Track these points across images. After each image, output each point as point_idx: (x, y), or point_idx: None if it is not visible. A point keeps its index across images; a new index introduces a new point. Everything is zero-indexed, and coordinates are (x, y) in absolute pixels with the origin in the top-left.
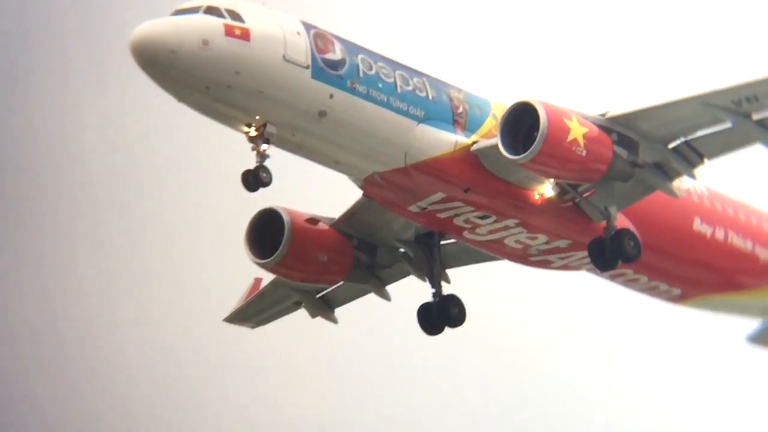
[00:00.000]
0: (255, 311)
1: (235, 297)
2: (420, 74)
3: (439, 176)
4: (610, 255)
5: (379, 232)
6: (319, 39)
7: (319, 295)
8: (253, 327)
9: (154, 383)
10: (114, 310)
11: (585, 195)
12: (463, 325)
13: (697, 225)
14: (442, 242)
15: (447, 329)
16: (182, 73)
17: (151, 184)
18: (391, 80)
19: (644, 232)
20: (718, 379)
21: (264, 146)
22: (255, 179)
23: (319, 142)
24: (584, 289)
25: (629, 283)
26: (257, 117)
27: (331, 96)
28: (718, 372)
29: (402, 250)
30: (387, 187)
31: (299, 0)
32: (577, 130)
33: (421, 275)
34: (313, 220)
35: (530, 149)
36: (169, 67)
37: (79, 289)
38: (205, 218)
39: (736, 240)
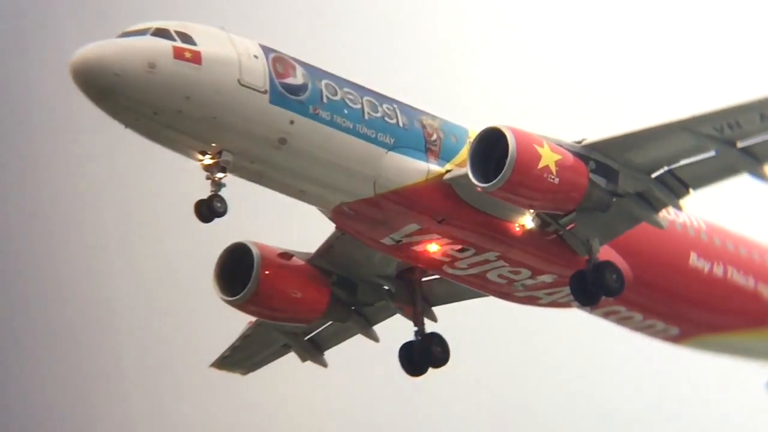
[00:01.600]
0: (242, 356)
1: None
2: (391, 100)
3: (410, 206)
4: (592, 288)
5: (358, 268)
6: (279, 63)
7: (308, 337)
8: (243, 374)
9: None
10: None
11: (568, 227)
12: (447, 365)
13: (694, 260)
14: (426, 278)
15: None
16: (126, 98)
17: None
18: (358, 106)
19: (636, 267)
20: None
21: (219, 175)
22: (209, 209)
23: (280, 171)
24: (577, 327)
25: (624, 321)
26: (213, 144)
27: (292, 122)
28: (729, 418)
29: (385, 287)
30: (357, 218)
31: (268, 27)
32: (548, 157)
33: (404, 313)
34: (287, 255)
35: (499, 177)
36: (111, 92)
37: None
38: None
39: (736, 276)
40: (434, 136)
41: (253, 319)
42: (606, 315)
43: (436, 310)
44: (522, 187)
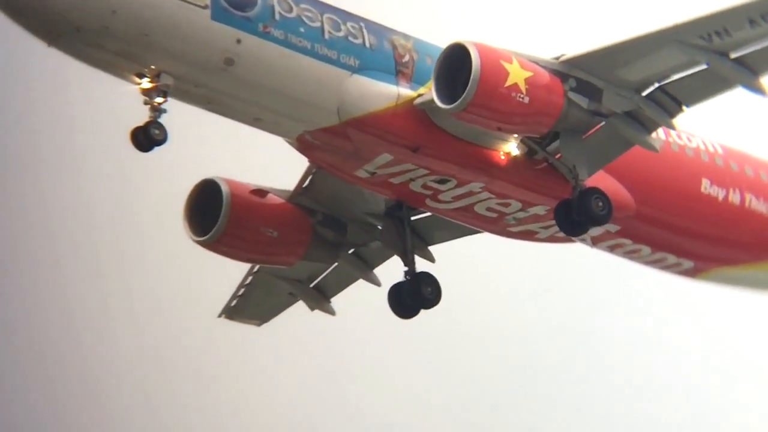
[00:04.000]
0: (249, 304)
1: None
2: (357, 18)
3: (379, 134)
4: (577, 217)
5: (345, 205)
6: None
7: (313, 284)
8: (258, 324)
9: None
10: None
11: (557, 156)
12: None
13: (706, 187)
14: (417, 216)
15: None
16: (42, 11)
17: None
18: (317, 24)
19: (639, 195)
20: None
21: (158, 100)
22: (146, 137)
23: (229, 96)
24: (582, 263)
25: (631, 255)
26: (150, 66)
27: (239, 41)
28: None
29: (377, 225)
30: (324, 148)
31: None
32: (517, 74)
33: (397, 253)
34: (261, 192)
35: (462, 96)
36: (26, 4)
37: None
38: None
39: (755, 204)
40: (406, 57)
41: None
42: (611, 249)
43: (433, 249)
44: (488, 108)
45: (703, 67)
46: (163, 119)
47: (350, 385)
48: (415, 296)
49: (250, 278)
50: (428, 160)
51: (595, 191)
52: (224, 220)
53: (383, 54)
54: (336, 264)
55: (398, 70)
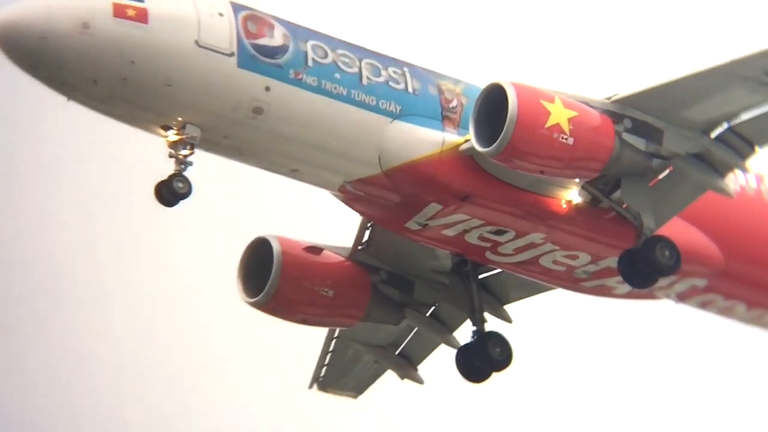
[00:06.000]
0: (338, 374)
1: None
2: (400, 63)
3: (424, 183)
4: (643, 268)
5: (412, 262)
6: (252, 21)
7: (398, 351)
8: (354, 397)
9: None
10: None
11: (624, 204)
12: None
13: None
14: (488, 273)
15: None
16: (57, 65)
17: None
18: (355, 70)
19: (728, 246)
20: None
21: (184, 152)
22: (170, 192)
23: (260, 147)
24: (670, 322)
25: (727, 313)
26: (177, 118)
27: (268, 89)
28: None
29: (445, 282)
30: (369, 200)
31: None
32: (560, 114)
33: (465, 312)
34: (315, 249)
35: (500, 137)
36: (38, 58)
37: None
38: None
39: None
40: (454, 102)
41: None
42: (702, 305)
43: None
44: (527, 150)
45: None
46: (188, 172)
47: None
48: (483, 358)
49: (332, 345)
50: (480, 210)
51: (661, 239)
52: (275, 279)
53: (428, 99)
54: (416, 329)
55: (444, 115)
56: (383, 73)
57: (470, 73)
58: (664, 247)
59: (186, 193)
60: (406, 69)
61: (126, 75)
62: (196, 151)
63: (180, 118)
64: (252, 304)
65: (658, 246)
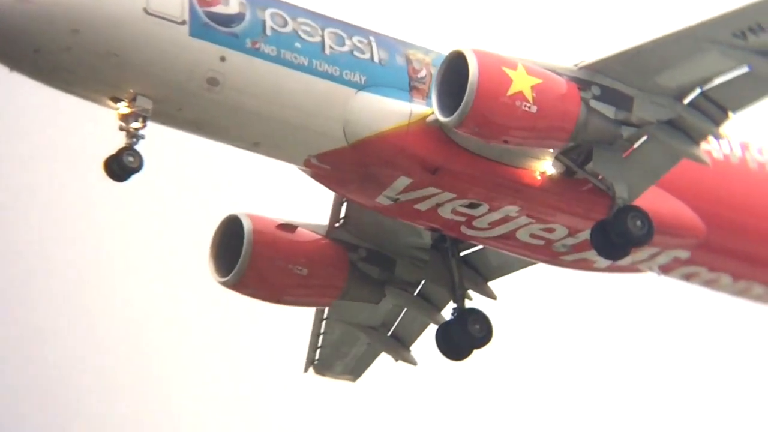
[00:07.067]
0: (333, 357)
1: None
2: (366, 32)
3: (392, 156)
4: (616, 238)
5: (392, 239)
6: None
7: (390, 332)
8: (353, 380)
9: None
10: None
11: (600, 176)
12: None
13: None
14: (471, 250)
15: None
16: None
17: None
18: (317, 39)
19: (710, 217)
20: None
21: (135, 125)
22: (119, 166)
23: (218, 119)
24: (652, 295)
25: (712, 285)
26: (127, 89)
27: (223, 59)
28: None
29: (426, 259)
30: (336, 174)
31: None
32: (522, 81)
33: (446, 290)
34: (289, 227)
35: (460, 106)
36: None
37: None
38: None
39: None
40: (422, 72)
41: None
42: (687, 278)
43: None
44: (489, 119)
45: (746, 70)
46: (140, 146)
47: None
48: (462, 335)
49: (323, 326)
50: (451, 183)
51: (632, 209)
52: (246, 258)
53: (395, 69)
54: (406, 309)
55: (412, 86)
56: (347, 42)
57: (445, 44)
58: (636, 216)
59: (137, 168)
60: (372, 38)
61: (70, 45)
62: (154, 124)
63: (130, 90)
64: (223, 284)
65: (629, 216)
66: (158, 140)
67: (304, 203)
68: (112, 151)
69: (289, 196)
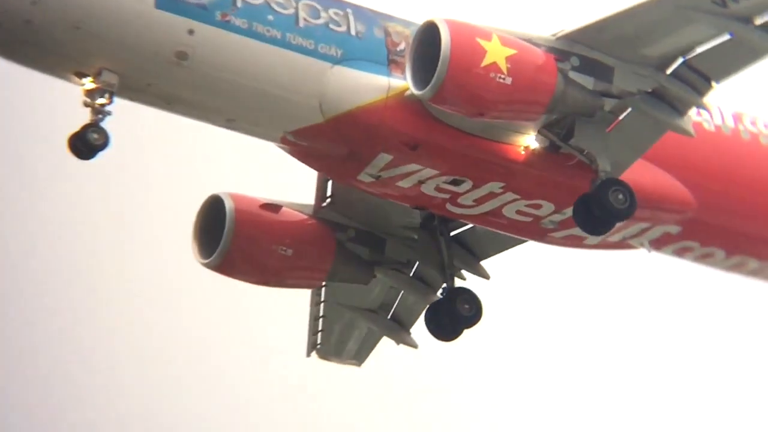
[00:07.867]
0: (335, 341)
1: None
2: (342, 4)
3: (370, 131)
4: (598, 212)
5: (381, 218)
6: None
7: (390, 315)
8: (358, 365)
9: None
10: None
11: (585, 151)
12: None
13: None
14: (462, 229)
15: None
16: None
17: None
18: (290, 12)
19: (701, 190)
20: None
21: (101, 101)
22: (84, 143)
23: (188, 95)
24: (645, 272)
25: (705, 260)
26: (90, 63)
27: (191, 32)
28: None
29: (416, 238)
30: (315, 151)
31: None
32: (496, 52)
33: (436, 270)
34: (273, 207)
35: (433, 79)
36: None
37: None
38: None
39: None
40: (402, 45)
41: None
42: (679, 253)
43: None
44: (462, 91)
45: (727, 37)
46: (105, 122)
47: None
48: (452, 315)
49: (321, 310)
50: (432, 159)
51: (615, 182)
52: (228, 239)
53: (373, 42)
54: (403, 291)
55: (391, 59)
56: (323, 14)
57: (426, 16)
58: (618, 190)
59: (102, 145)
60: (349, 10)
61: (29, 17)
62: (122, 100)
63: (94, 64)
64: (206, 266)
65: (611, 189)
66: (140, 118)
67: (293, 182)
68: (76, 128)
69: (277, 175)
